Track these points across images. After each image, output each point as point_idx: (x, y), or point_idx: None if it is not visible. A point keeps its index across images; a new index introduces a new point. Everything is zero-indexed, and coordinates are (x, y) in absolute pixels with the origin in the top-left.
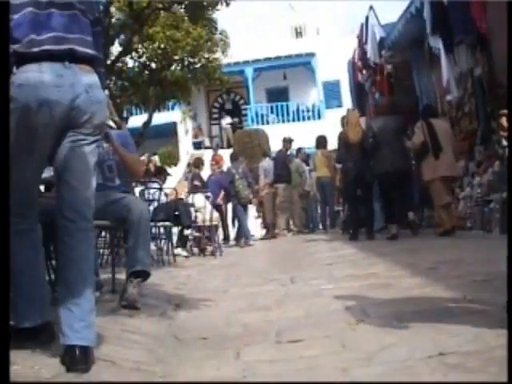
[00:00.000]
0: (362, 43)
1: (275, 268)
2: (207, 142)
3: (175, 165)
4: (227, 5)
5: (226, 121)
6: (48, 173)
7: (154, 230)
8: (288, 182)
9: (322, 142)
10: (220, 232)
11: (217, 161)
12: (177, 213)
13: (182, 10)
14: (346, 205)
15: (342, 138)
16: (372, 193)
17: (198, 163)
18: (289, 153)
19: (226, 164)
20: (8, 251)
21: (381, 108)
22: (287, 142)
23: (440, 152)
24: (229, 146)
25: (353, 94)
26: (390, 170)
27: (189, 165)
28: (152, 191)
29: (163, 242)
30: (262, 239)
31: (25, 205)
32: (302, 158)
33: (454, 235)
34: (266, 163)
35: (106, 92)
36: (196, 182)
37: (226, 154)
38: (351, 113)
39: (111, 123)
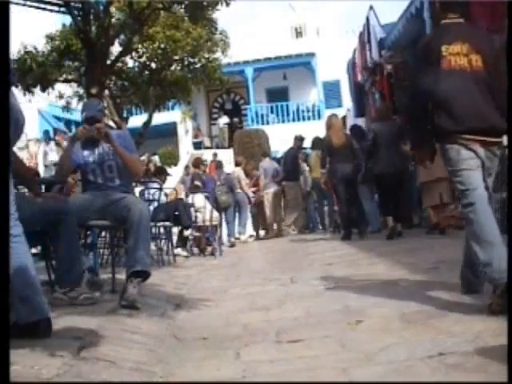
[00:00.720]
0: (364, 43)
1: (275, 268)
2: (207, 142)
3: (175, 165)
4: (227, 5)
5: (223, 120)
6: (48, 173)
7: (154, 230)
8: (297, 180)
9: (317, 143)
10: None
11: (211, 168)
12: (177, 213)
13: (182, 10)
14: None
15: (326, 143)
16: (358, 194)
17: (197, 163)
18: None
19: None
20: (8, 253)
21: (379, 113)
22: (298, 140)
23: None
24: (229, 146)
25: (353, 94)
26: (388, 170)
27: (186, 167)
28: (152, 191)
29: (163, 242)
30: (262, 239)
31: None
32: (302, 158)
33: (444, 233)
34: (266, 163)
35: (106, 92)
36: (196, 182)
37: (224, 154)
38: (334, 118)
39: (111, 123)
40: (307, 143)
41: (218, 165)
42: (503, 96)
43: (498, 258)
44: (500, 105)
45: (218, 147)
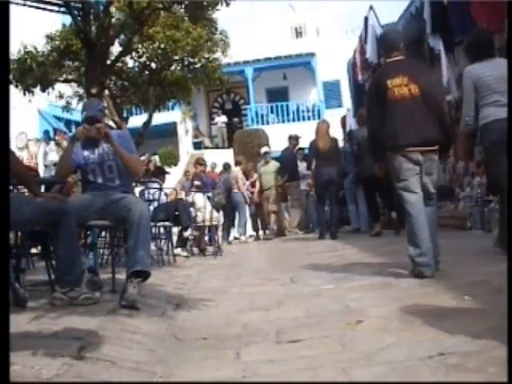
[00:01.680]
0: (362, 43)
1: (275, 268)
2: (207, 142)
3: (175, 165)
4: (227, 5)
5: (221, 119)
6: (48, 173)
7: (154, 230)
8: (299, 180)
9: None
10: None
11: (210, 174)
12: (177, 213)
13: (182, 10)
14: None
15: (313, 147)
16: (338, 195)
17: (198, 163)
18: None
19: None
20: (8, 252)
21: (361, 118)
22: (294, 139)
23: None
24: (228, 146)
25: (352, 94)
26: (373, 173)
27: (186, 173)
28: (152, 191)
29: (163, 242)
30: (262, 239)
31: None
32: (301, 158)
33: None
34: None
35: (106, 92)
36: (196, 182)
37: (224, 154)
38: (321, 124)
39: (111, 123)
40: (307, 143)
41: (225, 167)
42: (441, 114)
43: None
44: (438, 120)
45: (217, 147)
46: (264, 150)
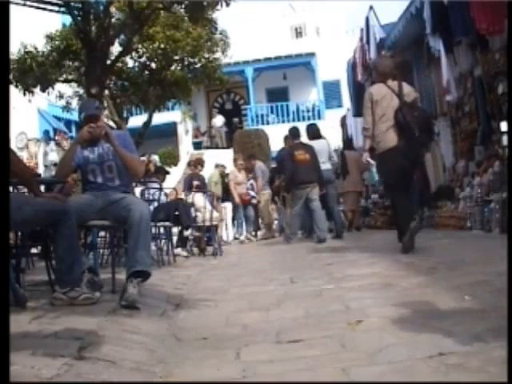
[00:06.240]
0: (363, 43)
1: (275, 268)
2: (207, 142)
3: (175, 165)
4: (227, 5)
5: (218, 120)
6: (48, 173)
7: (154, 230)
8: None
9: None
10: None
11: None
12: (177, 213)
13: (182, 10)
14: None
15: None
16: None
17: (197, 163)
18: None
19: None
20: (8, 251)
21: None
22: (289, 139)
23: (347, 175)
24: (228, 146)
25: (351, 94)
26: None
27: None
28: (152, 191)
29: (163, 242)
30: (262, 239)
31: None
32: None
33: (359, 232)
34: (263, 165)
35: (106, 92)
36: (196, 182)
37: (224, 154)
38: None
39: (111, 123)
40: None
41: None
42: (318, 168)
43: (296, 229)
44: (317, 172)
45: (217, 147)
46: (217, 163)
